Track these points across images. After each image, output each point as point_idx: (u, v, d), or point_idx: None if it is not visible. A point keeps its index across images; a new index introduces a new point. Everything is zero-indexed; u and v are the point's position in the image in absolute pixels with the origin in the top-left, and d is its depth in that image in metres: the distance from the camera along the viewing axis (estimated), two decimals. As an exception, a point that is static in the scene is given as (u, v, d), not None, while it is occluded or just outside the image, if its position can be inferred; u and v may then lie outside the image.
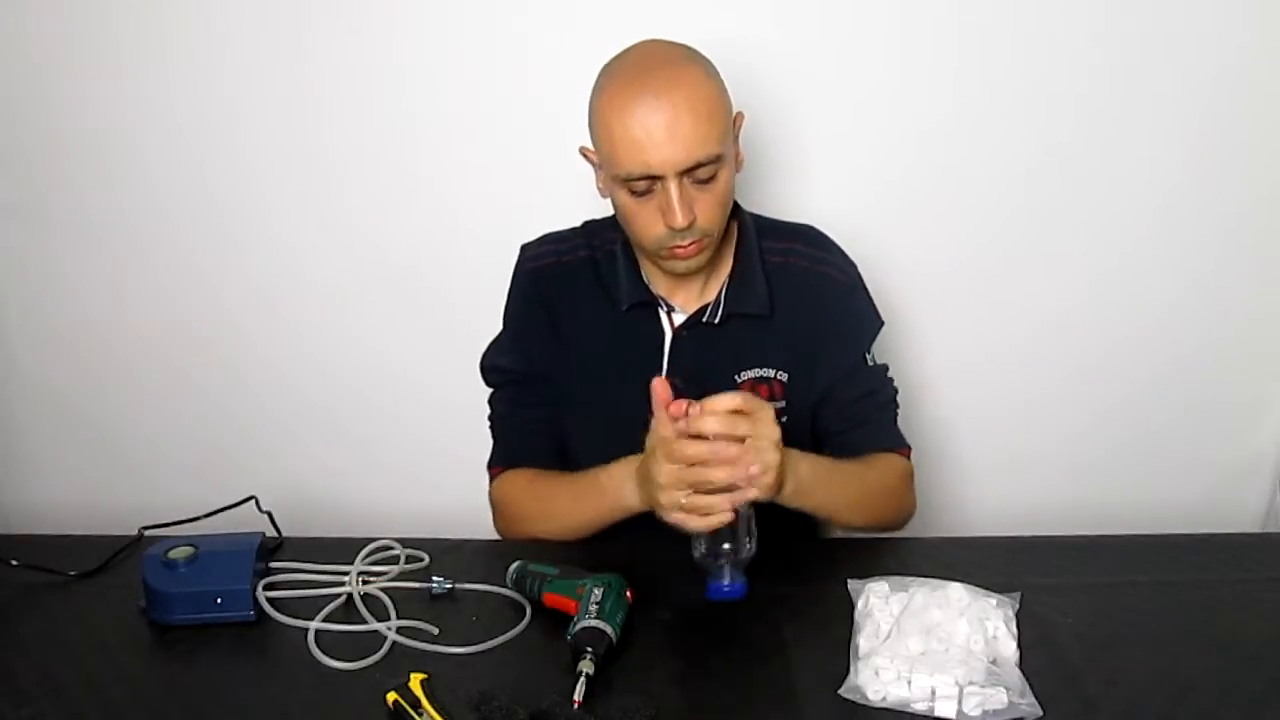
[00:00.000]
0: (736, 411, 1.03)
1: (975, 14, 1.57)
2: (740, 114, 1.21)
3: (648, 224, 1.16)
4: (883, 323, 1.33)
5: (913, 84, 1.61)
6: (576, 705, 0.92)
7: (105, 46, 1.61)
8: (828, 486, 1.17)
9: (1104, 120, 1.63)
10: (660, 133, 1.10)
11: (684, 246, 1.16)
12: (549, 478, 1.29)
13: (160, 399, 1.81)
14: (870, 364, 1.31)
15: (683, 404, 1.05)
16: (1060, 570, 1.18)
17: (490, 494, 1.34)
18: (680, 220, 1.12)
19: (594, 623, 1.00)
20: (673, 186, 1.12)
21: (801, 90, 1.61)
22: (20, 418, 1.84)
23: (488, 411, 1.36)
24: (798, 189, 1.64)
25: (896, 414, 1.33)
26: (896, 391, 1.33)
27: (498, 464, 1.35)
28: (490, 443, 1.36)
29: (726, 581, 1.05)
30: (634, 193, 1.14)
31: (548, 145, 1.63)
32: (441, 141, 1.65)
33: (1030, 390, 1.79)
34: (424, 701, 0.93)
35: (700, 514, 1.04)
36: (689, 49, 1.17)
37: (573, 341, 1.29)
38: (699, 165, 1.12)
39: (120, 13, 1.59)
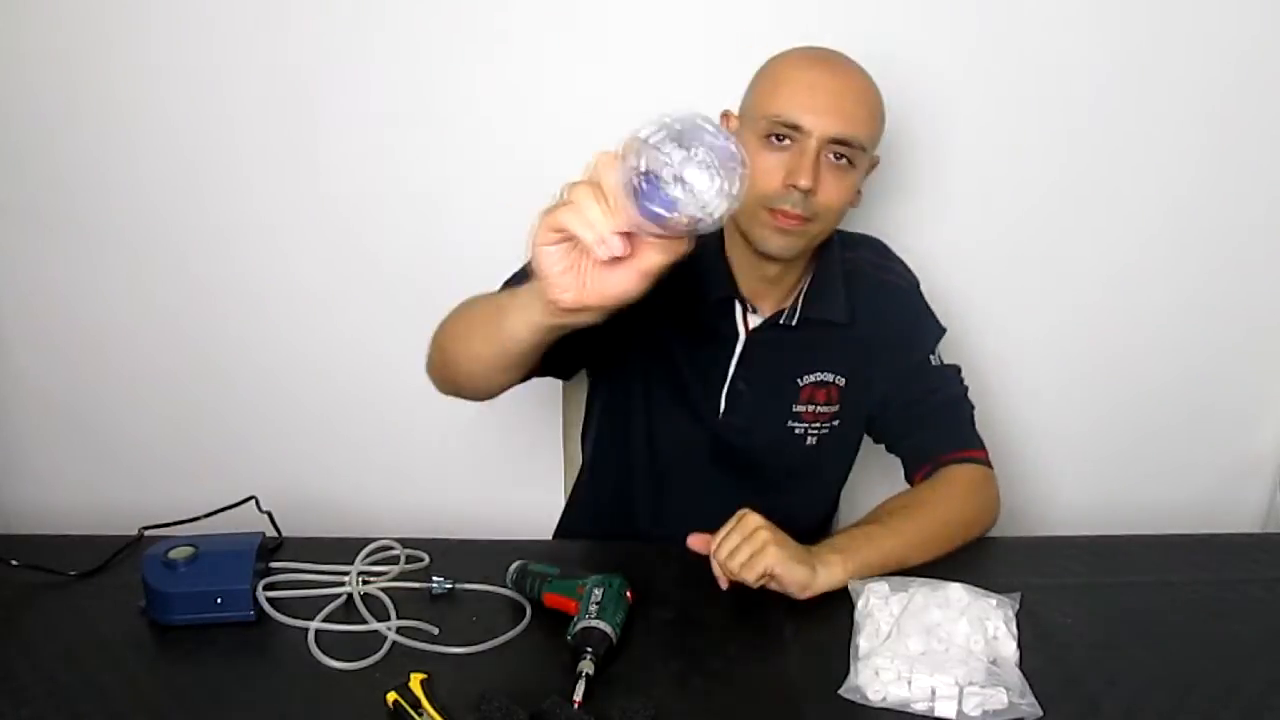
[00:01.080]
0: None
1: (986, 18, 1.57)
2: (877, 157, 1.23)
3: (768, 173, 1.14)
4: (944, 329, 1.34)
5: (925, 88, 1.60)
6: (576, 705, 0.92)
7: (98, 50, 1.60)
8: (886, 555, 1.14)
9: (1111, 128, 1.63)
10: (827, 95, 1.13)
11: (790, 215, 1.15)
12: (489, 294, 1.12)
13: (160, 399, 1.81)
14: (935, 364, 1.31)
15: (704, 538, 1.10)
16: (1060, 570, 1.18)
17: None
18: (806, 180, 1.12)
19: (594, 623, 1.00)
20: (812, 146, 1.13)
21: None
22: (20, 419, 1.84)
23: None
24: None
25: (971, 413, 1.32)
26: (967, 389, 1.32)
27: None
28: None
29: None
30: (771, 136, 1.14)
31: (543, 146, 1.64)
32: (435, 143, 1.65)
33: (1034, 395, 1.79)
34: (424, 701, 0.93)
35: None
36: None
37: (649, 319, 1.23)
38: (844, 142, 1.14)
39: (112, 16, 1.59)
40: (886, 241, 1.40)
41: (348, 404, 1.81)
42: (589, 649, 0.98)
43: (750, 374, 1.27)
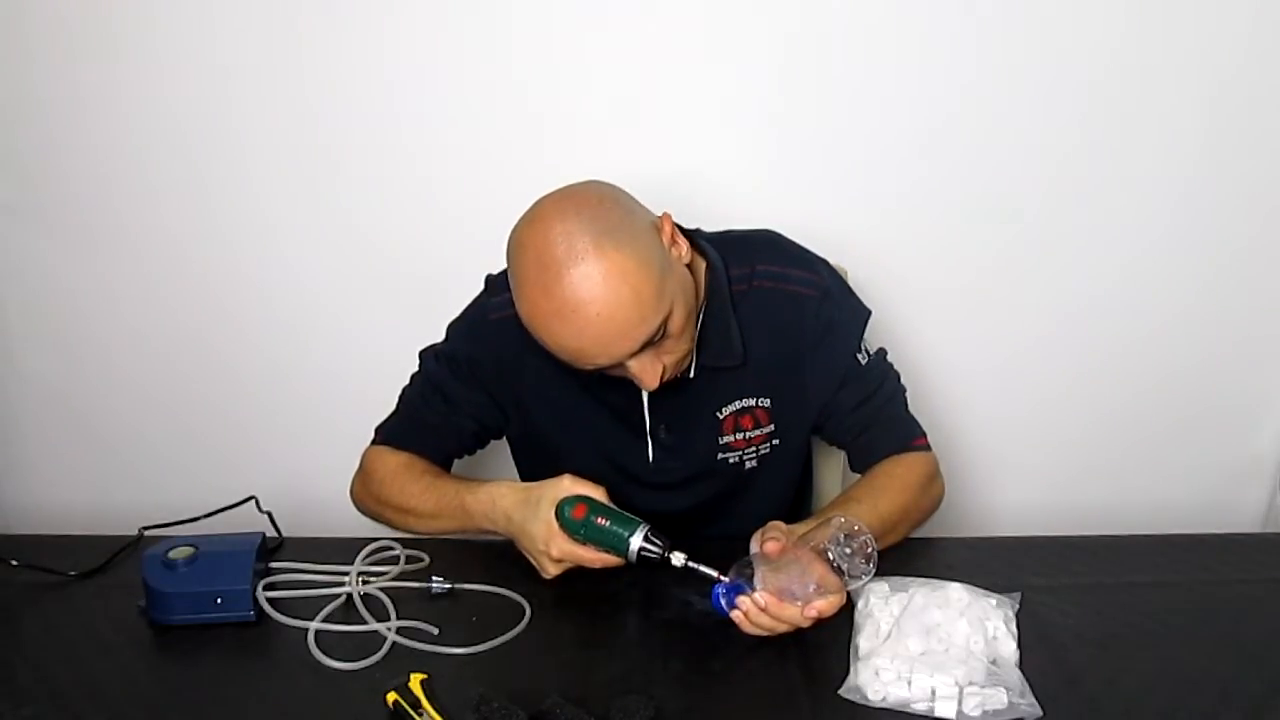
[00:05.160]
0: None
1: (981, 19, 1.57)
2: (664, 216, 1.11)
3: (626, 375, 1.10)
4: (869, 312, 1.28)
5: (920, 90, 1.60)
6: (686, 562, 1.05)
7: (101, 48, 1.60)
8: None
9: (1109, 129, 1.63)
10: (593, 345, 1.04)
11: (665, 380, 1.12)
12: (419, 476, 1.28)
13: (160, 399, 1.81)
14: (863, 362, 1.26)
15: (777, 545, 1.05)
16: (1060, 570, 1.18)
17: (364, 455, 1.35)
18: (653, 384, 1.10)
19: (630, 531, 1.06)
20: (633, 365, 1.08)
21: (808, 93, 1.61)
22: (21, 418, 1.84)
23: (406, 382, 1.35)
24: (804, 195, 1.64)
25: (904, 401, 1.30)
26: (898, 377, 1.31)
27: (385, 436, 1.35)
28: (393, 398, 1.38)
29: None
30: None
31: (543, 145, 1.64)
32: (438, 141, 1.65)
33: (1034, 394, 1.79)
34: (424, 701, 0.93)
35: None
36: (593, 226, 1.03)
37: (543, 387, 1.25)
38: (648, 342, 1.06)
39: (116, 15, 1.59)
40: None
41: (349, 404, 1.79)
42: (655, 544, 1.06)
43: (668, 420, 1.24)
